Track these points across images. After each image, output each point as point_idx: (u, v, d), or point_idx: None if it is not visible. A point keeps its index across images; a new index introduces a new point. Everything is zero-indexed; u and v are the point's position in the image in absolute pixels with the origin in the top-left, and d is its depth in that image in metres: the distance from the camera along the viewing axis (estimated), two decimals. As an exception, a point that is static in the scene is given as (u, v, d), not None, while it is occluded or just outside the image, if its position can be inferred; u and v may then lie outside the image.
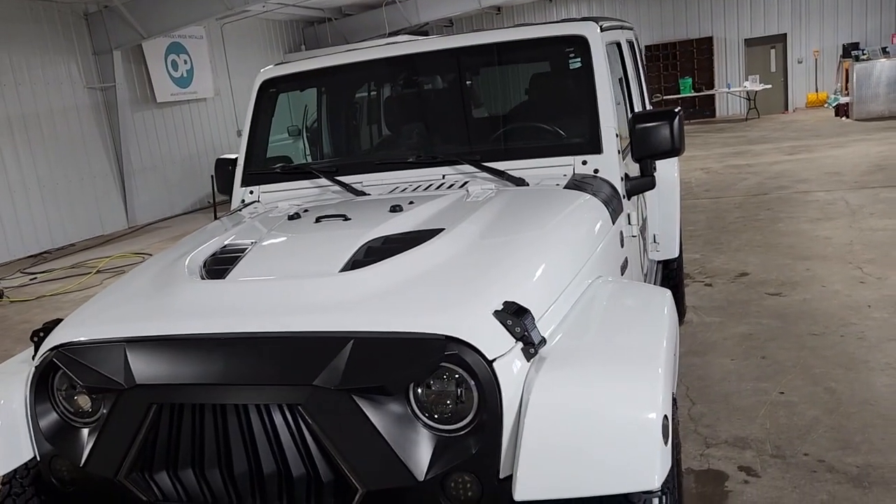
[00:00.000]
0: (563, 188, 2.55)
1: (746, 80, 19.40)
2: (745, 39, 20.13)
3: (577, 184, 2.59)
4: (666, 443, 1.55)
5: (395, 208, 2.35)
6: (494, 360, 1.62)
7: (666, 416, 1.57)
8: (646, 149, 2.77)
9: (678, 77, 20.43)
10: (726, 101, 20.30)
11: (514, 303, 1.72)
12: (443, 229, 2.13)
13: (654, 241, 3.91)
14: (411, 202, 2.45)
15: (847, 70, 16.46)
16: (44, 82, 11.18)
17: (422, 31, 20.28)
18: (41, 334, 2.05)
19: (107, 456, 1.86)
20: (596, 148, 2.73)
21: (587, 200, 2.45)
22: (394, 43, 3.13)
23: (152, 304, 1.99)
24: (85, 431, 1.94)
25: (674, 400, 2.06)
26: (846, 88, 16.58)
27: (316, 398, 1.66)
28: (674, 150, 2.79)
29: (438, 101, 3.26)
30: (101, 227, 12.00)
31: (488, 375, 1.61)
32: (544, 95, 3.13)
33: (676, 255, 4.33)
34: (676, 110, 2.78)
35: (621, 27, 3.60)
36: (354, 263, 1.99)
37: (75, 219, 11.55)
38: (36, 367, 1.97)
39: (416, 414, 1.68)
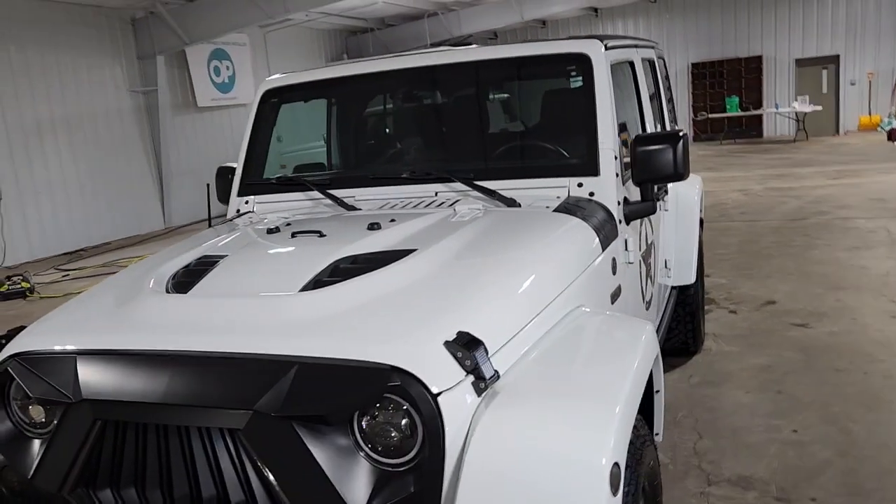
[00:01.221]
0: (552, 211, 2.45)
1: (795, 100, 18.90)
2: (797, 59, 19.63)
3: (569, 207, 2.48)
4: (615, 493, 1.44)
5: (374, 226, 2.29)
6: (440, 393, 1.54)
7: (616, 465, 1.46)
8: (647, 172, 2.65)
9: (725, 96, 20.01)
10: (774, 121, 19.81)
11: (467, 333, 1.63)
12: (415, 250, 2.05)
13: (666, 267, 3.76)
14: (392, 220, 2.38)
15: (901, 93, 15.90)
16: (88, 84, 11.47)
17: (465, 42, 20.30)
18: (3, 341, 2.03)
19: (53, 470, 1.82)
20: (593, 170, 2.62)
21: (575, 225, 2.35)
22: (397, 56, 3.07)
23: (110, 317, 1.96)
24: (37, 443, 1.91)
25: (649, 439, 1.94)
26: (900, 112, 16.01)
27: (255, 424, 1.59)
28: (676, 174, 2.66)
29: (436, 116, 3.19)
30: (137, 227, 12.23)
31: (432, 410, 1.52)
32: (544, 114, 3.04)
33: (693, 281, 4.17)
34: (681, 133, 2.66)
35: (636, 46, 3.48)
36: (317, 283, 1.93)
37: (113, 218, 11.79)
38: (-7, 374, 1.95)
39: (359, 446, 1.60)
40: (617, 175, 2.65)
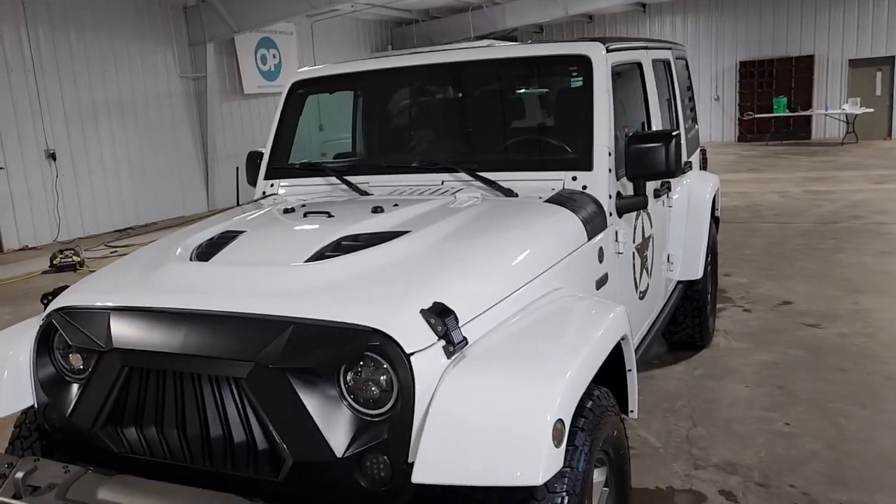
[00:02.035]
0: (544, 201, 2.65)
1: (846, 102, 18.53)
2: (850, 60, 19.24)
3: (560, 198, 2.68)
4: (558, 445, 1.65)
5: (377, 209, 2.52)
6: (413, 353, 1.76)
7: (560, 420, 1.67)
8: (639, 169, 2.83)
9: (773, 95, 19.72)
10: (823, 123, 19.46)
11: (441, 303, 1.85)
12: (409, 231, 2.28)
13: (668, 261, 3.91)
14: (396, 205, 2.61)
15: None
16: (141, 69, 11.98)
17: (510, 36, 20.39)
18: (49, 297, 2.33)
19: (87, 409, 2.11)
20: (587, 165, 2.81)
21: (562, 215, 2.55)
22: (413, 53, 3.30)
23: (140, 280, 2.23)
24: (75, 386, 2.19)
25: (613, 411, 2.13)
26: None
27: (256, 374, 1.84)
28: (668, 171, 2.84)
29: (446, 110, 3.40)
30: (182, 209, 12.73)
31: (405, 367, 1.75)
32: (545, 111, 3.22)
33: (699, 276, 4.30)
34: (673, 133, 2.83)
35: (645, 48, 3.64)
36: (320, 256, 2.17)
37: (159, 199, 12.30)
38: (40, 326, 2.25)
39: (343, 397, 1.84)
40: (610, 171, 2.83)
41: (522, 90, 3.30)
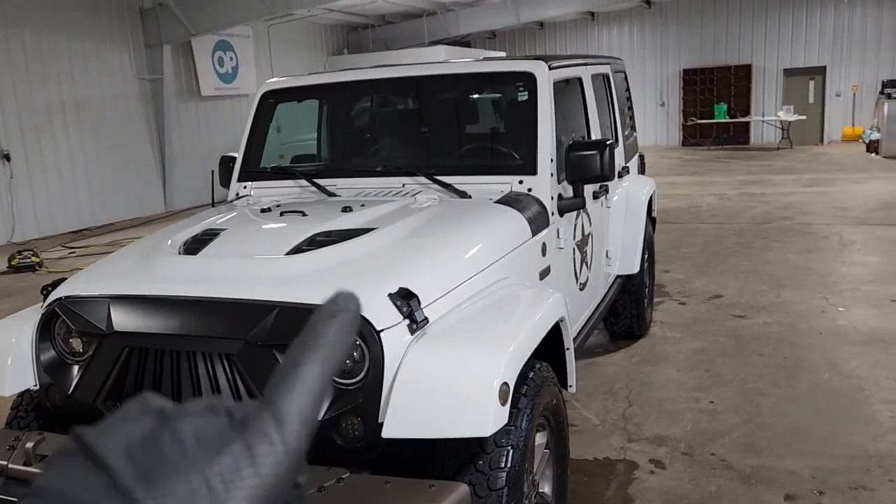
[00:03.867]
0: (493, 202, 3.00)
1: (781, 109, 19.47)
2: (785, 69, 20.20)
3: (508, 199, 3.04)
4: (503, 404, 2.00)
5: (347, 209, 2.84)
6: (382, 330, 2.09)
7: (506, 384, 2.02)
8: (578, 174, 3.22)
9: (714, 102, 20.57)
10: (761, 129, 20.38)
11: (406, 288, 2.18)
12: (376, 228, 2.60)
13: (607, 257, 4.32)
14: (363, 205, 2.93)
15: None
16: (97, 71, 11.99)
17: (464, 41, 20.83)
18: (49, 288, 2.58)
19: (89, 386, 2.37)
20: (532, 170, 3.18)
21: (509, 214, 2.90)
22: (377, 67, 3.62)
23: (136, 271, 2.51)
24: (75, 367, 2.45)
25: (552, 382, 2.49)
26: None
27: (246, 350, 2.15)
28: (603, 176, 3.23)
29: (407, 120, 3.73)
30: (140, 210, 12.76)
31: (376, 342, 2.08)
32: (495, 122, 3.59)
33: (636, 271, 4.72)
34: (607, 142, 3.22)
35: (585, 64, 4.03)
36: (298, 250, 2.48)
37: (116, 200, 12.32)
38: (42, 314, 2.50)
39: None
40: (552, 175, 3.21)
41: (474, 103, 3.65)
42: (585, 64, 4.04)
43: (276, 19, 14.92)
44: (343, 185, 3.42)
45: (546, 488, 2.60)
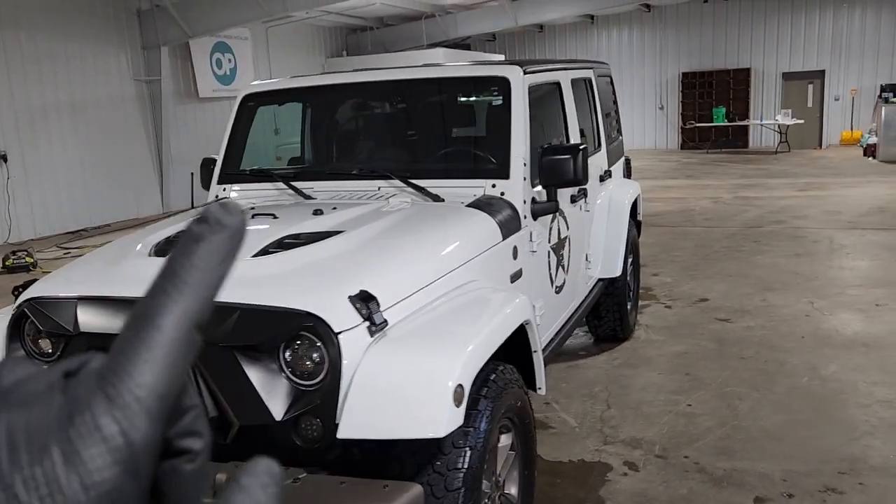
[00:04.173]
0: (465, 206, 3.03)
1: (779, 113, 19.48)
2: (784, 73, 20.22)
3: (480, 203, 3.06)
4: (458, 405, 2.03)
5: (318, 212, 2.87)
6: (340, 332, 2.12)
7: (460, 385, 2.04)
8: (551, 178, 3.25)
9: (713, 106, 20.59)
10: (760, 132, 20.39)
11: (366, 291, 2.21)
12: (343, 231, 2.63)
13: (587, 260, 4.34)
14: (335, 208, 2.96)
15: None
16: (94, 72, 12.04)
17: (464, 44, 20.87)
18: (20, 289, 2.61)
19: (57, 385, 2.40)
20: (504, 174, 3.20)
21: (479, 217, 2.93)
22: (356, 72, 3.65)
23: (105, 272, 2.54)
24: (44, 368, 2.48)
25: (517, 384, 2.51)
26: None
27: (207, 352, 2.17)
28: (576, 180, 3.26)
29: (384, 123, 3.77)
30: (136, 211, 12.81)
31: (334, 344, 2.11)
32: (470, 125, 3.62)
33: (618, 274, 4.75)
34: (580, 147, 3.25)
35: (564, 69, 4.06)
36: (264, 252, 2.51)
37: (113, 201, 12.37)
38: (12, 315, 2.53)
39: (282, 370, 2.18)
40: (525, 179, 3.23)
41: (450, 107, 3.68)
42: (565, 69, 4.07)
43: (274, 21, 14.98)
44: (320, 188, 3.45)
45: (512, 489, 2.63)
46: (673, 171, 16.01)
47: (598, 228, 4.73)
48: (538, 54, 22.40)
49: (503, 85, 3.32)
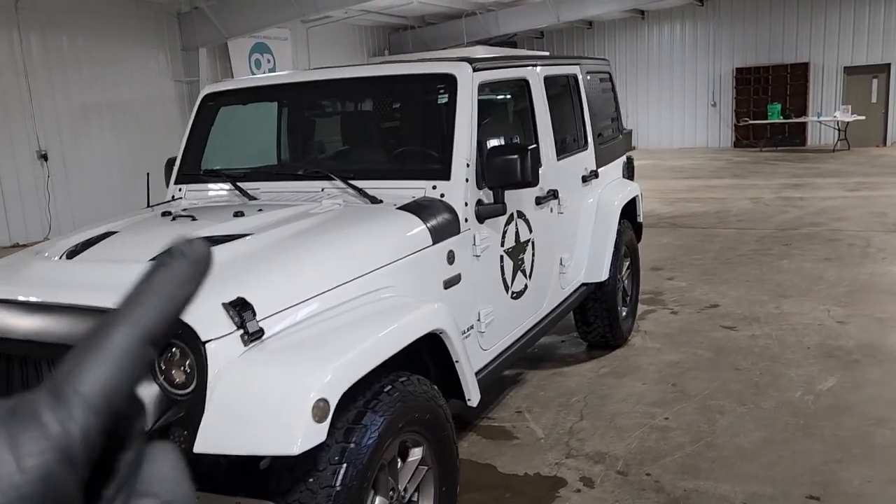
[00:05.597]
0: (396, 208, 2.91)
1: (838, 109, 18.58)
2: (845, 67, 19.26)
3: (413, 205, 2.93)
4: (319, 422, 1.91)
5: (238, 214, 2.80)
6: (208, 341, 2.03)
7: (324, 400, 1.93)
8: (497, 179, 3.09)
9: (768, 102, 19.79)
10: (819, 130, 19.49)
11: (242, 298, 2.12)
12: (250, 234, 2.55)
13: (561, 264, 4.15)
14: (260, 209, 2.88)
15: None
16: (134, 73, 12.37)
17: (510, 42, 20.63)
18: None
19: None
20: (445, 175, 3.07)
21: (406, 221, 2.80)
22: (305, 71, 3.58)
23: (11, 274, 2.53)
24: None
25: (429, 396, 2.38)
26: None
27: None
28: (524, 182, 3.10)
29: (331, 123, 3.67)
30: (174, 209, 13.11)
31: (200, 352, 2.02)
32: (416, 125, 3.48)
33: (604, 278, 4.54)
34: (529, 147, 3.08)
35: (533, 65, 3.89)
36: (165, 255, 2.45)
37: (151, 199, 12.67)
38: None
39: (156, 377, 2.11)
40: (468, 180, 3.09)
41: (396, 105, 3.57)
42: (534, 65, 3.89)
43: (314, 21, 15.11)
44: (266, 189, 3.39)
45: (427, 506, 2.50)
46: (720, 171, 15.44)
47: (583, 231, 4.54)
48: (586, 51, 21.97)
49: (450, 82, 3.19)
